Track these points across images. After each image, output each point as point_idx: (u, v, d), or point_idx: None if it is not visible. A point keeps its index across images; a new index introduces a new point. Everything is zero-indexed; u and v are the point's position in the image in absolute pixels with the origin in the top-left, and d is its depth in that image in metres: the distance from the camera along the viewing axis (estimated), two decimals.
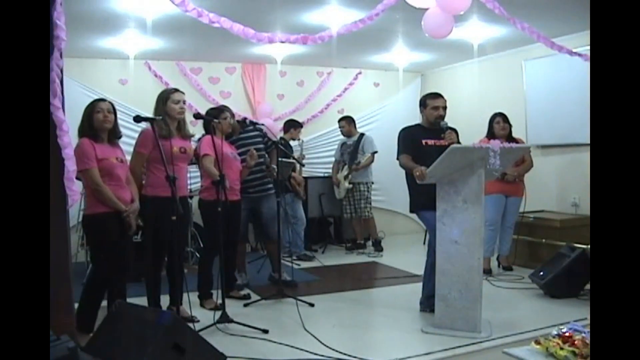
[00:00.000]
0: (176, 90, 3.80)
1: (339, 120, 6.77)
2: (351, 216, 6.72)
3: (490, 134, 5.24)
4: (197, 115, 4.09)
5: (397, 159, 3.94)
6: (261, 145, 4.70)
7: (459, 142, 3.95)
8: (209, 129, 4.04)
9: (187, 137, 3.86)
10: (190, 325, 3.13)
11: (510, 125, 5.23)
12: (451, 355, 3.19)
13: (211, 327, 3.59)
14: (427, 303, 3.91)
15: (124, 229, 3.34)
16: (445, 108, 3.95)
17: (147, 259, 3.76)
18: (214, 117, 4.04)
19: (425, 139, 3.88)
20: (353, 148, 6.59)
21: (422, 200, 3.83)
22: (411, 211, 4.05)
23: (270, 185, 4.74)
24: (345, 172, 6.61)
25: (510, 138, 5.10)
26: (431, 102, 3.95)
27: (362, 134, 6.72)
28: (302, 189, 6.35)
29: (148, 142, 3.59)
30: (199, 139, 4.38)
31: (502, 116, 5.24)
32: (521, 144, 5.02)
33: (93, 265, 3.40)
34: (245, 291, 4.56)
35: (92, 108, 3.31)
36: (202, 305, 4.08)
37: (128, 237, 3.45)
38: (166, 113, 3.67)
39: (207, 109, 4.48)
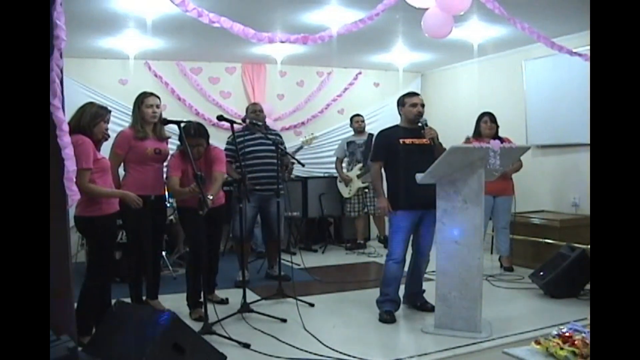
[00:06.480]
0: (151, 94, 3.92)
1: (354, 116, 6.76)
2: (358, 214, 6.71)
3: (477, 133, 5.24)
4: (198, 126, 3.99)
5: (370, 161, 4.03)
6: (273, 147, 4.65)
7: (438, 138, 3.96)
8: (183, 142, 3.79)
9: (163, 138, 3.98)
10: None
11: (497, 126, 5.23)
12: (451, 355, 3.19)
13: (213, 325, 3.59)
14: (409, 299, 4.12)
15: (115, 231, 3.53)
16: (423, 105, 3.95)
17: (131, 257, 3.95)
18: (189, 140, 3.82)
19: (403, 138, 3.87)
20: (365, 147, 6.51)
21: (395, 199, 3.87)
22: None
23: (280, 185, 4.76)
24: (358, 170, 6.59)
25: (497, 138, 5.04)
26: (409, 100, 3.96)
27: (370, 134, 6.65)
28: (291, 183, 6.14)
29: (124, 143, 3.77)
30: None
31: (490, 116, 5.25)
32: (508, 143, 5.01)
33: (96, 268, 3.40)
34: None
35: (102, 116, 3.32)
36: (189, 314, 3.94)
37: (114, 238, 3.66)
38: (141, 116, 3.83)
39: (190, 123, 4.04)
